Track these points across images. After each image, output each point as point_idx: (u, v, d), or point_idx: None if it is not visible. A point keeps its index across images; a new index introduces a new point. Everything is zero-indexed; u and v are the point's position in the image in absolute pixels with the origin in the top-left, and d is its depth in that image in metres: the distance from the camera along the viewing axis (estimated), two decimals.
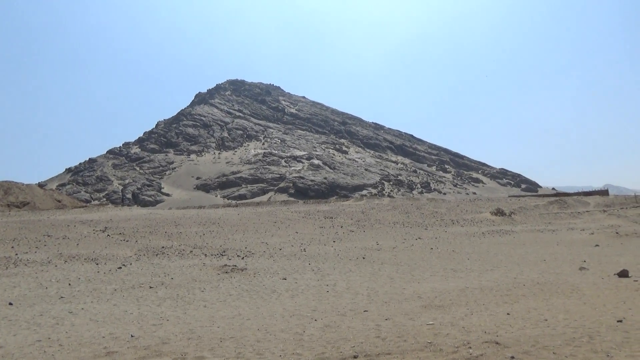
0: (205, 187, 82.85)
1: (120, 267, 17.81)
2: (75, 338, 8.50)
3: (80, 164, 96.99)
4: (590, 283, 12.68)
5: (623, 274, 13.44)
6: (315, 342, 7.89)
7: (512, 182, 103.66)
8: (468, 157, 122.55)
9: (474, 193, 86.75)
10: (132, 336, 8.50)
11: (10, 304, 11.53)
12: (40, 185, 78.26)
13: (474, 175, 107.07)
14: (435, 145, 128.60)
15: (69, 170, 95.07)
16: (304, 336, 8.26)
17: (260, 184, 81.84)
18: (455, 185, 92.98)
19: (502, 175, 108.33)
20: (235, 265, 17.58)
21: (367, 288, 13.10)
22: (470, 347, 7.18)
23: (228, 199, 75.73)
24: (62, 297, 12.38)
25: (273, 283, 14.25)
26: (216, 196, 78.58)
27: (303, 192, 77.13)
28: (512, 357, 6.64)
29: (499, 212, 43.45)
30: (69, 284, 14.31)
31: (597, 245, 23.57)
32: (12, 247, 23.72)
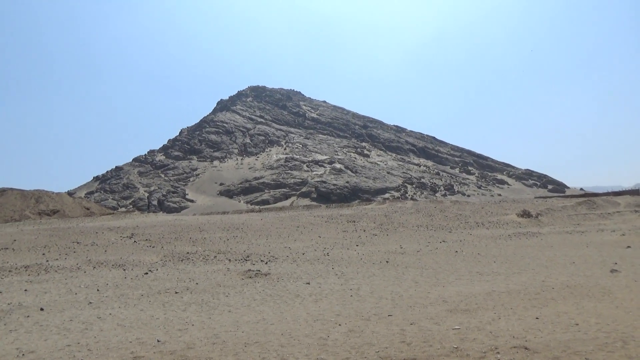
0: (228, 193, 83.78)
1: (146, 273, 18.09)
2: (104, 343, 8.66)
3: (107, 172, 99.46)
4: (623, 286, 12.29)
5: None
6: (340, 347, 7.85)
7: (539, 183, 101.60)
8: (492, 158, 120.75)
9: (499, 195, 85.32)
10: (158, 341, 8.61)
11: (42, 309, 11.84)
12: (70, 193, 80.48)
13: (499, 176, 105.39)
14: (458, 146, 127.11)
15: (96, 178, 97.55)
16: (328, 341, 8.23)
17: (283, 189, 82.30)
18: (479, 187, 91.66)
19: (528, 176, 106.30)
20: (259, 270, 17.66)
21: (391, 292, 12.98)
22: (498, 353, 7.03)
23: (251, 204, 76.39)
24: (90, 303, 12.64)
25: (297, 287, 14.25)
26: (239, 202, 79.37)
27: (325, 197, 77.20)
28: None
29: (525, 214, 42.57)
30: (98, 290, 14.61)
31: (629, 246, 22.83)
32: (43, 253, 24.39)
